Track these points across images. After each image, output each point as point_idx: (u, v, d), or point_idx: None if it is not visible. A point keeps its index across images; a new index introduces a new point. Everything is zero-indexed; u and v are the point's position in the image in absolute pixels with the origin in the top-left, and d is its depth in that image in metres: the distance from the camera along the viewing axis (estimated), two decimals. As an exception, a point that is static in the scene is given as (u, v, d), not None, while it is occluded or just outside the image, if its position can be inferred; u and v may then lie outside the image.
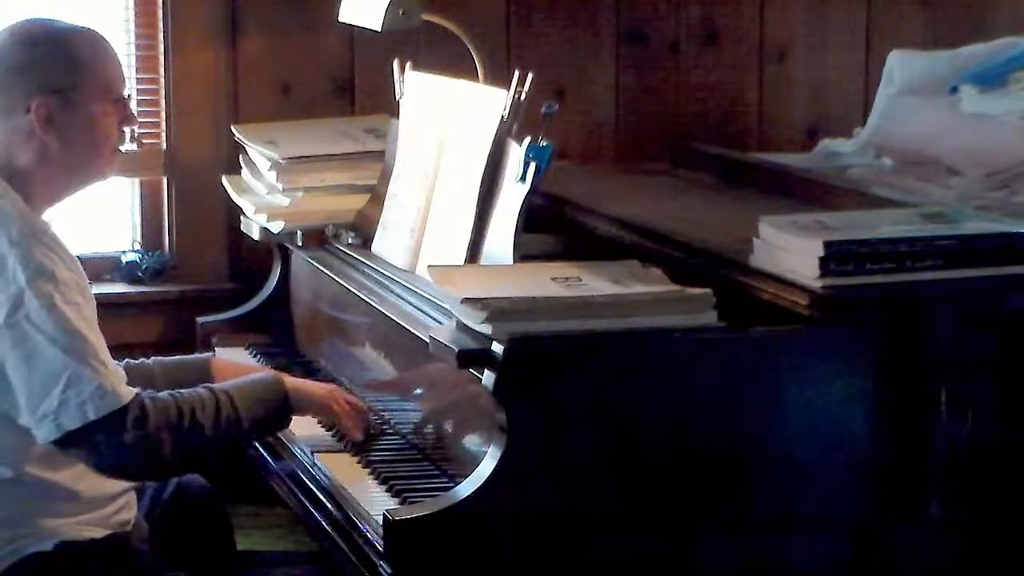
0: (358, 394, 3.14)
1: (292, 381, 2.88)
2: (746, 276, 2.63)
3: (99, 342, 2.63)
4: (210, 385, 2.76)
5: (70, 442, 2.59)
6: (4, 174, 2.72)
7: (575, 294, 2.51)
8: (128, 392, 2.61)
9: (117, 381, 2.60)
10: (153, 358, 3.10)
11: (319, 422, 2.98)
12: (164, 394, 2.68)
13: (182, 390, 2.72)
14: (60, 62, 2.72)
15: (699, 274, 2.64)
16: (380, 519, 2.43)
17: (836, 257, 2.49)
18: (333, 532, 2.63)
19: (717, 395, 2.50)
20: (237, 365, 3.19)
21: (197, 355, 3.23)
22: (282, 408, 2.80)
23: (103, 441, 2.58)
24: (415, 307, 2.86)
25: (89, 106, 2.74)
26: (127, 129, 2.82)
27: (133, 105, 2.89)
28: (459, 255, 2.89)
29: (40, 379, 2.58)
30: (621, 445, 2.46)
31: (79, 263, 2.71)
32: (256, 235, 3.59)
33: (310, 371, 3.35)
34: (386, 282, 3.04)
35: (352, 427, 2.88)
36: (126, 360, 3.06)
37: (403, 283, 2.98)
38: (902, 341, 2.54)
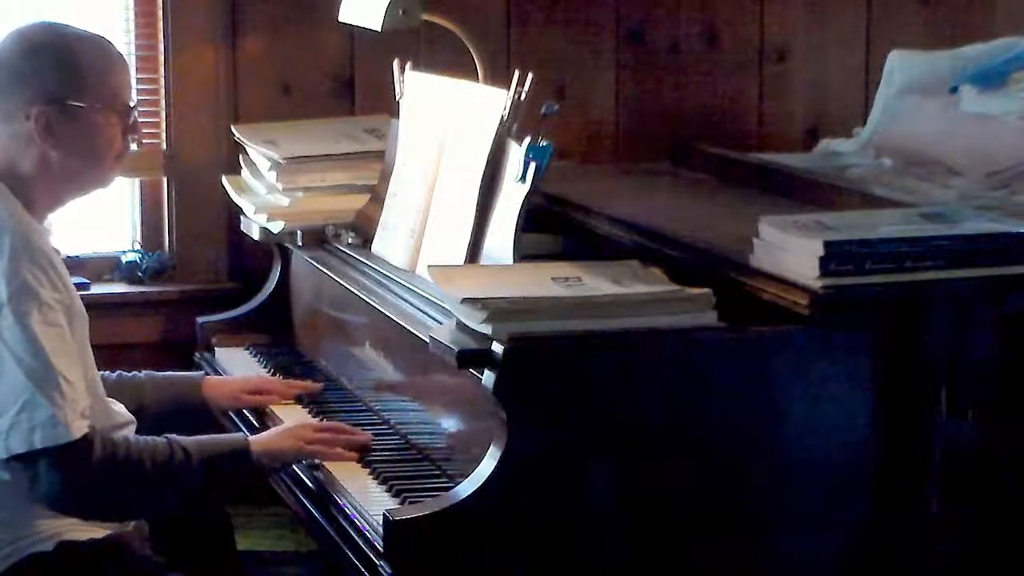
0: (360, 395, 3.14)
1: (258, 439, 2.78)
2: (746, 276, 2.63)
3: (70, 370, 2.59)
4: (171, 436, 2.70)
5: (16, 465, 2.59)
6: (5, 179, 2.71)
7: (575, 294, 2.51)
8: (80, 429, 2.57)
9: (73, 416, 2.57)
10: (146, 372, 3.10)
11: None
12: (120, 436, 2.68)
13: (140, 436, 2.70)
14: (62, 71, 2.70)
15: (699, 274, 2.64)
16: (380, 519, 2.43)
17: (836, 257, 2.48)
18: (333, 532, 2.63)
19: (717, 395, 2.49)
20: (228, 382, 3.17)
21: (189, 373, 3.21)
22: (244, 467, 2.73)
23: (44, 472, 2.57)
24: (415, 307, 2.86)
25: (90, 116, 2.71)
26: (130, 138, 2.80)
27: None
28: (459, 255, 2.89)
29: (0, 396, 2.58)
30: (621, 445, 2.46)
31: (69, 280, 2.69)
32: (256, 235, 3.59)
33: (310, 371, 3.34)
34: (386, 282, 3.04)
35: (337, 455, 2.79)
36: (119, 373, 3.06)
37: (403, 283, 2.98)
38: (902, 341, 2.53)
